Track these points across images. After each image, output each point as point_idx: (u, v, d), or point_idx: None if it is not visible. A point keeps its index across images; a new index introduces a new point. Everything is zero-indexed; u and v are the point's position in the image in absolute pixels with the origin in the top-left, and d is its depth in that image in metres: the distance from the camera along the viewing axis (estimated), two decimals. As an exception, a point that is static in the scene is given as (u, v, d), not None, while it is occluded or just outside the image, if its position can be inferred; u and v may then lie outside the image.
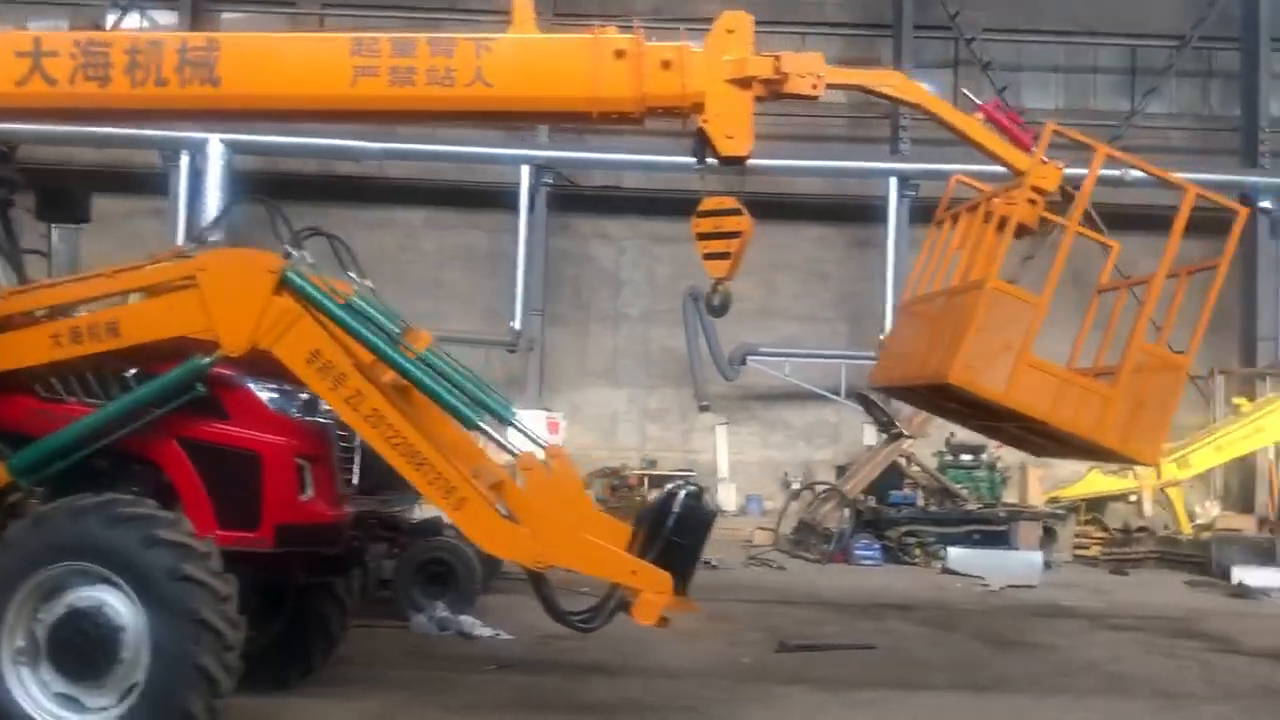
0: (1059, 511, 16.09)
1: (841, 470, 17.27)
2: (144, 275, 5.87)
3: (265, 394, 6.01)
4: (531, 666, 8.12)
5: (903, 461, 16.39)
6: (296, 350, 5.71)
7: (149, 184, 22.81)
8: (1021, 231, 6.55)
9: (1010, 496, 17.60)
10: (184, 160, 22.17)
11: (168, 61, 6.33)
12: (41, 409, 5.87)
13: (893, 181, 22.29)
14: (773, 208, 23.57)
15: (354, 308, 5.93)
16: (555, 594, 6.03)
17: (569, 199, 23.94)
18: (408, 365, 5.81)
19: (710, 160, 6.63)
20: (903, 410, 15.66)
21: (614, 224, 24.13)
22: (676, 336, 23.41)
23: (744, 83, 6.40)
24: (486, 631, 9.18)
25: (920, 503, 15.89)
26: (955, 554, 14.69)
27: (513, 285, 22.60)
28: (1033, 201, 6.45)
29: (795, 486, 18.39)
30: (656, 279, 24.76)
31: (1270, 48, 23.64)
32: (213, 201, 21.89)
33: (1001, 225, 6.38)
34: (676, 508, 6.09)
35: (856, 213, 23.84)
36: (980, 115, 6.64)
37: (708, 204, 6.64)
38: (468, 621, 9.20)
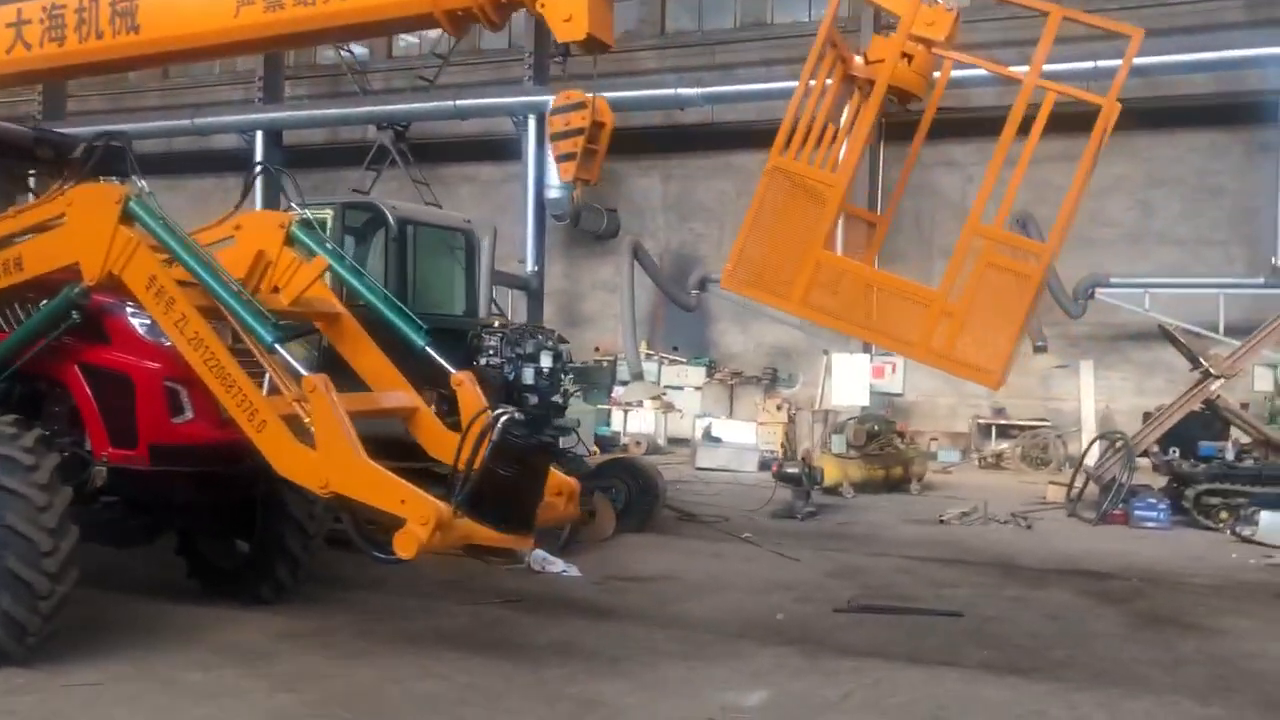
0: None
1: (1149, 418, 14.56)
2: (35, 213, 6.40)
3: (138, 320, 6.34)
4: (537, 605, 7.84)
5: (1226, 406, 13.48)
6: (139, 276, 5.96)
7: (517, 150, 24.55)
8: (904, 98, 5.11)
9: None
10: (531, 124, 23.64)
11: (104, 15, 6.85)
12: (-13, 339, 6.66)
13: (1287, 69, 18.29)
14: (1149, 115, 20.51)
15: (182, 235, 6.02)
16: (363, 523, 5.78)
17: (906, 126, 22.36)
18: (217, 286, 5.81)
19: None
20: (1209, 345, 12.90)
21: (960, 149, 22.09)
22: (1030, 270, 21.10)
23: (579, -44, 5.62)
24: (557, 568, 9.00)
25: (1231, 456, 13.00)
26: (1269, 519, 11.85)
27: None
28: (907, 55, 4.98)
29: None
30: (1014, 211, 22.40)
31: None
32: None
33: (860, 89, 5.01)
34: (494, 436, 5.58)
35: (1257, 112, 19.91)
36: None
37: (557, 100, 5.96)
38: (538, 556, 9.05)
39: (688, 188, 25.01)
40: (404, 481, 5.44)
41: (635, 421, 21.23)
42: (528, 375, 10.34)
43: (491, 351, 10.45)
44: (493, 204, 25.54)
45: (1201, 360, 13.28)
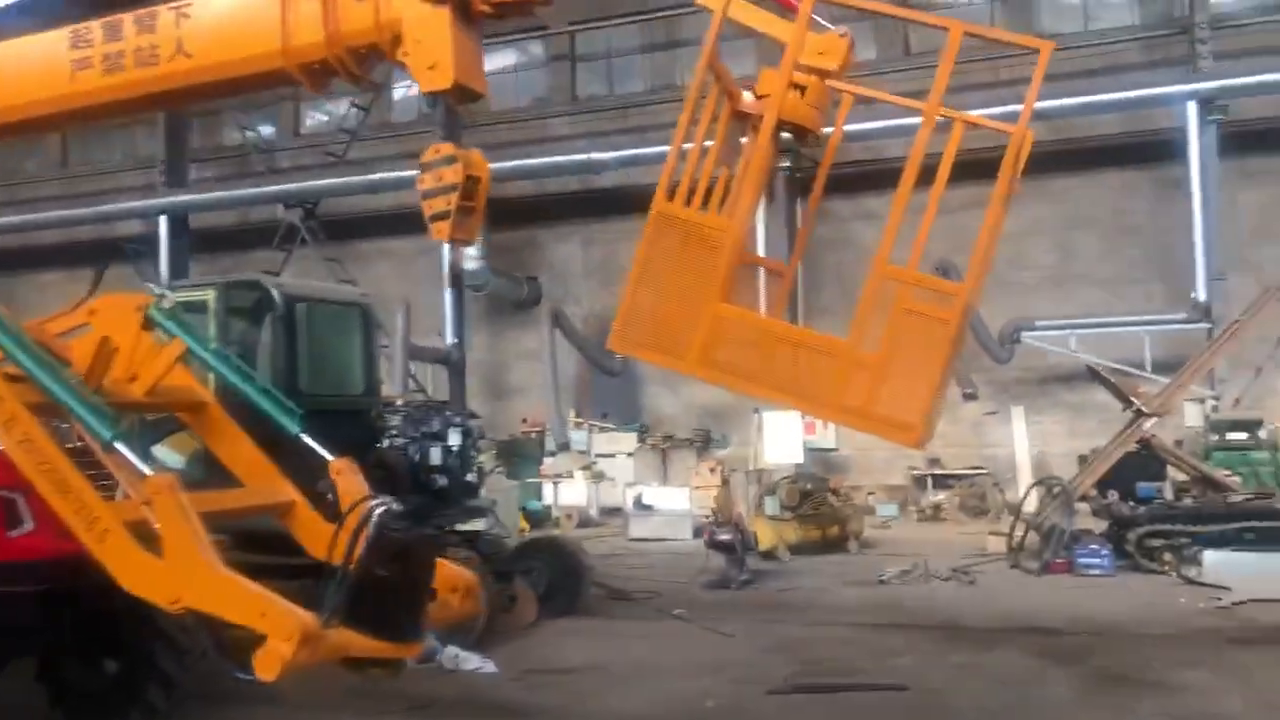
0: (1367, 499, 12.19)
1: (1085, 461, 14.30)
2: None
3: (-34, 423, 5.63)
4: (447, 709, 7.17)
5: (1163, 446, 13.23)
6: (-39, 375, 5.27)
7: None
8: (800, 134, 4.68)
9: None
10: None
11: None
12: None
13: (1191, 106, 18.49)
14: (1062, 157, 20.62)
15: (9, 325, 5.36)
16: (224, 637, 5.09)
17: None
18: (48, 380, 5.15)
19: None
20: (1140, 384, 12.68)
21: (877, 201, 21.98)
22: (955, 318, 20.94)
23: (439, -1, 5.14)
24: (471, 664, 8.30)
25: (1169, 495, 12.71)
26: (1212, 559, 11.53)
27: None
28: (799, 87, 4.55)
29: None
30: (931, 257, 22.34)
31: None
32: (471, 230, 22.67)
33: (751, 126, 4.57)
34: (370, 531, 4.96)
35: (1165, 150, 20.07)
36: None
37: (426, 154, 5.43)
38: (450, 653, 8.35)
39: (609, 252, 24.62)
40: (265, 592, 4.76)
41: (566, 493, 20.56)
42: (435, 455, 9.70)
43: (395, 432, 9.83)
44: (410, 277, 24.94)
45: (1133, 399, 13.05)
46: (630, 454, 22.42)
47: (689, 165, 5.05)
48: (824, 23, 4.67)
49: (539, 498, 20.07)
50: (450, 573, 5.67)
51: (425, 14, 5.16)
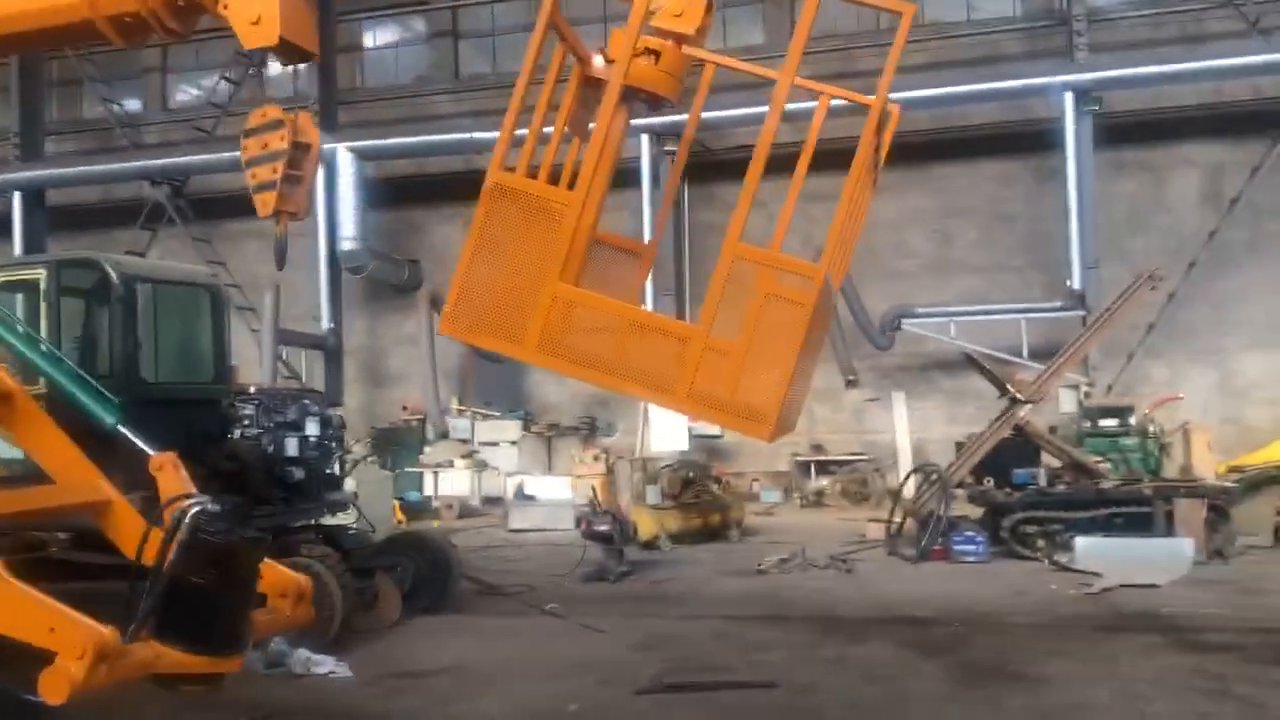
0: (1229, 485, 12.46)
1: (962, 448, 14.38)
2: None
3: None
4: (293, 717, 6.70)
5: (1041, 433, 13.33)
6: None
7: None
8: (654, 102, 4.38)
9: (1173, 467, 14.00)
10: (320, 173, 22.35)
11: None
12: None
13: (1068, 97, 18.77)
14: (943, 146, 20.80)
15: None
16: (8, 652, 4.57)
17: (708, 167, 21.99)
18: None
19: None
20: (1016, 371, 12.75)
21: (766, 185, 21.81)
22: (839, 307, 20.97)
23: (262, -54, 4.67)
24: (324, 668, 7.82)
25: (1043, 482, 12.83)
26: (1083, 545, 11.66)
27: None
28: (653, 53, 4.24)
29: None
30: (814, 242, 22.36)
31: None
32: (348, 211, 22.00)
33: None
34: (182, 535, 4.50)
35: (1042, 140, 20.35)
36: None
37: (251, 119, 4.98)
38: (301, 656, 7.86)
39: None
40: (55, 605, 4.29)
41: (448, 483, 20.01)
42: (290, 446, 9.17)
43: (248, 422, 9.26)
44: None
45: (1008, 386, 13.12)
46: (514, 442, 21.97)
47: (531, 133, 4.70)
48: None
49: (419, 488, 19.50)
50: (280, 576, 5.24)
51: (247, -35, 4.69)
